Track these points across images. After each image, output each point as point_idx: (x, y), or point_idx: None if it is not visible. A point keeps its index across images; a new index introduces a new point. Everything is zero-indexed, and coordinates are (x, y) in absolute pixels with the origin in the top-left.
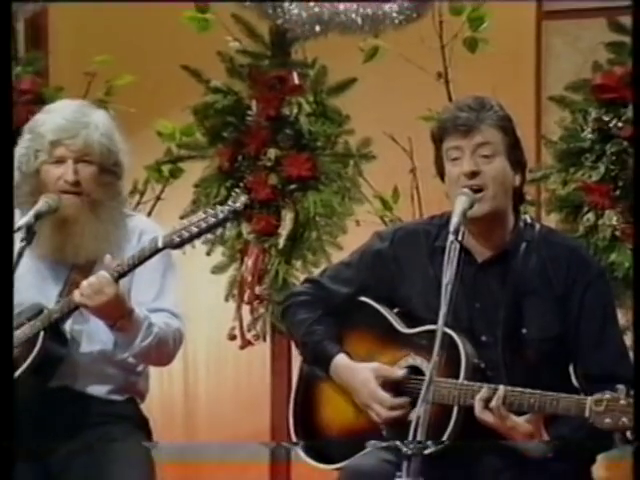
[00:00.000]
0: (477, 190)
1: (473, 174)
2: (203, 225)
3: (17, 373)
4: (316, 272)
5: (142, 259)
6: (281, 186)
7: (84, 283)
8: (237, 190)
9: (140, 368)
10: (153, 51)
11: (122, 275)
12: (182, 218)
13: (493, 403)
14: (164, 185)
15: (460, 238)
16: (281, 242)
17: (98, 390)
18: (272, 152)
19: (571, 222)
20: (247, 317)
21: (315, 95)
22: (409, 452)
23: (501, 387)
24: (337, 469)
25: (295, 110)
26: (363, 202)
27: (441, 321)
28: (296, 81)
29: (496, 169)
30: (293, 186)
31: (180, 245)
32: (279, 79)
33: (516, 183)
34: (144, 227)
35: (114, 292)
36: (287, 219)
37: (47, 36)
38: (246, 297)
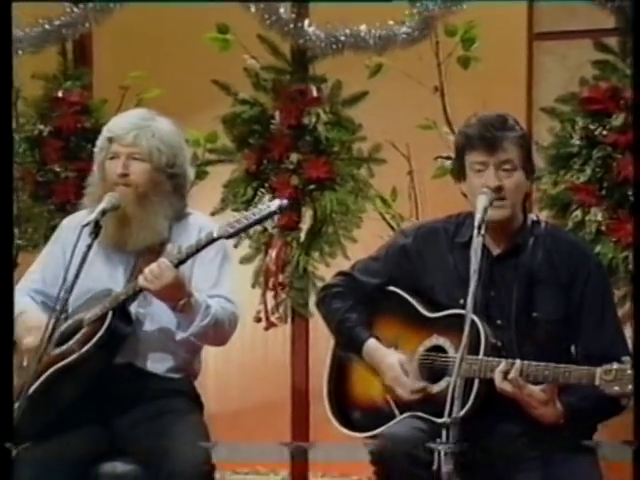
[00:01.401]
0: (499, 199)
1: (499, 189)
2: (253, 218)
3: (86, 347)
4: (332, 262)
5: (199, 248)
6: (302, 186)
7: (146, 270)
8: (262, 190)
9: (195, 349)
10: (186, 67)
11: (182, 262)
12: (213, 214)
13: (511, 374)
14: (190, 186)
15: (483, 232)
16: (302, 236)
17: (157, 367)
18: (294, 156)
19: (561, 218)
20: (271, 302)
21: (331, 106)
22: (447, 422)
23: (518, 361)
24: (371, 437)
25: (314, 119)
26: (374, 200)
27: (469, 306)
28: (314, 94)
29: (515, 182)
30: (312, 186)
31: (233, 235)
32: (299, 92)
33: (528, 189)
34: (203, 223)
35: (173, 276)
36: (307, 215)
37: (92, 54)
38: (270, 284)
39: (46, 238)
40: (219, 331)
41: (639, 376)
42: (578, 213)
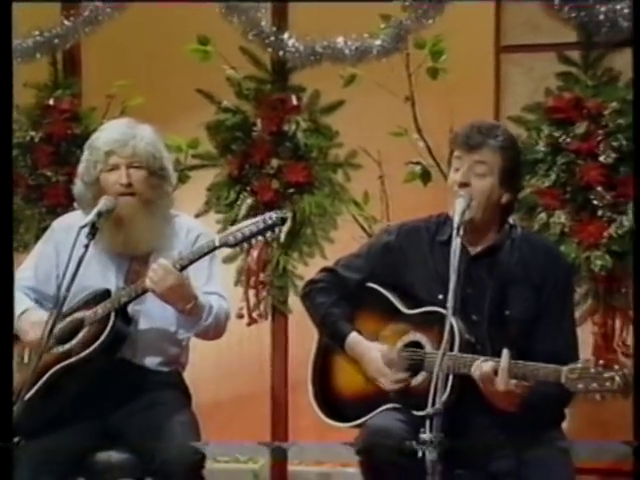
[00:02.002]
0: None
1: (463, 184)
2: (254, 229)
3: (90, 349)
4: (311, 262)
5: (201, 254)
6: (282, 190)
7: (151, 272)
8: (244, 193)
9: (184, 343)
10: (169, 77)
11: (184, 267)
12: (197, 216)
13: (500, 373)
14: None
15: (462, 234)
16: (282, 237)
17: (149, 362)
18: (274, 162)
19: (527, 220)
20: (252, 299)
21: (310, 114)
22: (431, 413)
23: (503, 359)
24: (355, 426)
25: (293, 127)
26: (350, 203)
27: (450, 304)
28: (294, 102)
29: (485, 186)
30: (292, 190)
31: (234, 245)
32: (280, 101)
33: (503, 200)
34: (190, 225)
35: (177, 279)
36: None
37: (81, 64)
38: (252, 283)
39: (37, 239)
40: (218, 327)
41: (639, 376)
42: (543, 216)
